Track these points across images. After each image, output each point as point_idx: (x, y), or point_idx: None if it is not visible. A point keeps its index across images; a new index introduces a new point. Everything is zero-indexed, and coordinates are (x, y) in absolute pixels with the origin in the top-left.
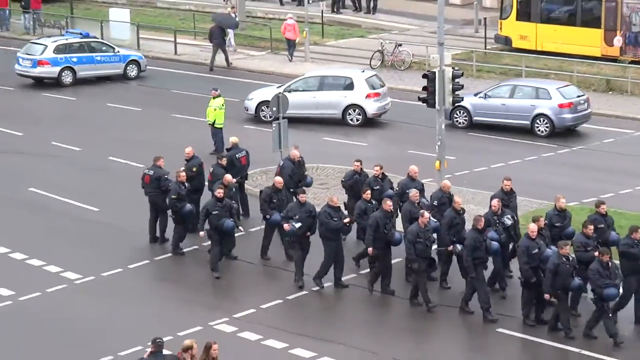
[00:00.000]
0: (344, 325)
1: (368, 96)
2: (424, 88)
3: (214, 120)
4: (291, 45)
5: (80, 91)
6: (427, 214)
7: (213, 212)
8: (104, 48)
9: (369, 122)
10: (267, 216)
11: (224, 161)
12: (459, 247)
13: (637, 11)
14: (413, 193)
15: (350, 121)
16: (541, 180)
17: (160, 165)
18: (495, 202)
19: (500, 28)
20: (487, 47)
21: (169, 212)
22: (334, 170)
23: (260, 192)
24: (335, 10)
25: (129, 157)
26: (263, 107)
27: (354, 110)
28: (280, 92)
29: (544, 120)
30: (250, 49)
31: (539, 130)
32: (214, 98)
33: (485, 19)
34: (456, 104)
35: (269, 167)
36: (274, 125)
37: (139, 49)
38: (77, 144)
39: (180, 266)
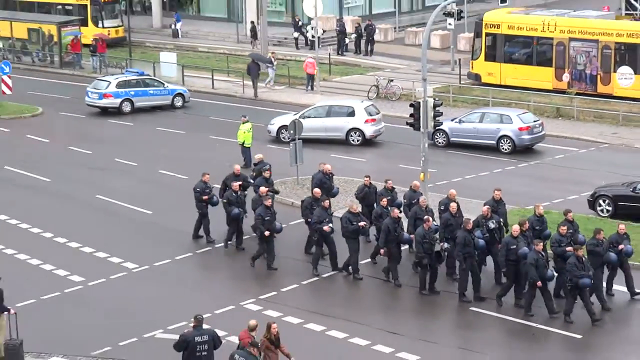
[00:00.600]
0: (350, 305)
1: (366, 121)
2: (411, 115)
3: (244, 141)
4: (310, 79)
5: (136, 118)
6: (431, 220)
7: (266, 218)
8: (155, 84)
9: (367, 142)
10: (309, 219)
11: (267, 174)
12: (446, 244)
13: (581, 53)
14: (422, 199)
15: (352, 141)
16: (505, 188)
17: (204, 180)
18: (485, 208)
19: (472, 67)
20: (461, 82)
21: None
22: (340, 180)
23: (302, 201)
24: (340, 53)
25: (175, 170)
26: (283, 131)
27: (355, 133)
28: (296, 119)
29: (507, 141)
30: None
31: (503, 148)
32: (243, 123)
33: (459, 59)
34: (436, 127)
35: (287, 178)
36: (291, 145)
37: (183, 84)
38: (134, 160)
39: (217, 257)
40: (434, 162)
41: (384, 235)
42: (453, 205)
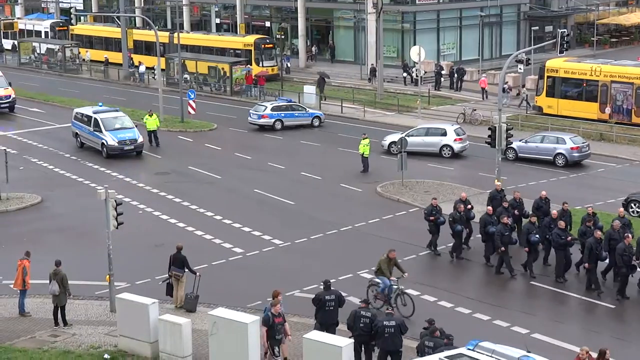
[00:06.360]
0: (438, 276)
1: (455, 140)
2: (489, 136)
3: (363, 152)
4: (484, 92)
5: (285, 133)
6: (630, 236)
7: (505, 234)
8: (300, 108)
9: (455, 156)
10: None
11: (505, 204)
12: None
13: (620, 92)
14: (616, 223)
15: (444, 155)
16: (559, 193)
17: (433, 204)
18: (616, 222)
19: (536, 101)
20: (528, 112)
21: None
22: (434, 183)
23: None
24: (437, 89)
25: (313, 172)
26: (392, 145)
27: (447, 148)
28: (402, 136)
29: (561, 157)
30: (385, 110)
31: (558, 162)
32: (363, 139)
33: (527, 95)
34: (508, 146)
35: (395, 181)
36: (398, 156)
37: (320, 109)
38: (282, 164)
39: (341, 238)
40: (505, 172)
41: (588, 252)
42: (616, 223)
